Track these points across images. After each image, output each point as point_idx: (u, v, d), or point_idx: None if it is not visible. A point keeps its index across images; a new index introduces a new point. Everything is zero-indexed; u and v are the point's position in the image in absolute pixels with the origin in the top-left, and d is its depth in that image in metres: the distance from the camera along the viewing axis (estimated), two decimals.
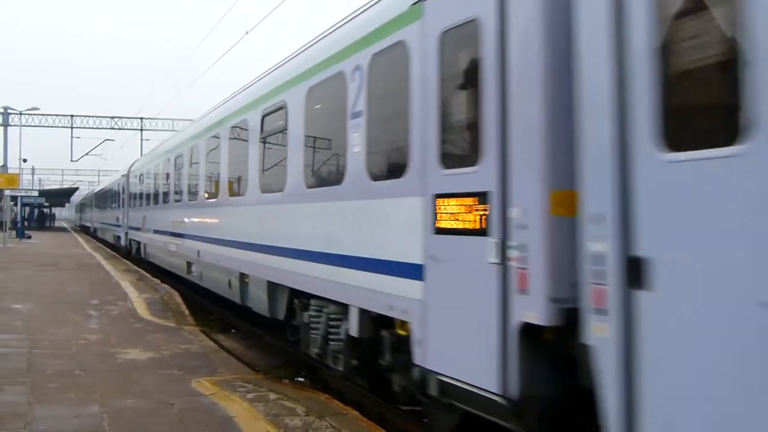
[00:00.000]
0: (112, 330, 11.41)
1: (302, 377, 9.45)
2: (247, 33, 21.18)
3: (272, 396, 7.53)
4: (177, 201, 16.58)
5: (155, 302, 15.11)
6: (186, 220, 15.31)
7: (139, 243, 24.39)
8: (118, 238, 31.76)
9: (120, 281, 19.27)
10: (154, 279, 20.20)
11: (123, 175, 29.74)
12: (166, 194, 18.35)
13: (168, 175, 18.07)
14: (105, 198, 41.82)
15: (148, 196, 22.01)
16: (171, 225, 16.94)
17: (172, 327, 12.09)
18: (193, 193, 14.87)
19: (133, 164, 28.09)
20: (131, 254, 27.31)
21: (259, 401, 7.26)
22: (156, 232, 19.77)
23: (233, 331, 13.51)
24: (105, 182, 47.99)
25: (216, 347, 10.70)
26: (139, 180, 24.28)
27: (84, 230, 71.68)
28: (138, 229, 24.06)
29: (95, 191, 56.41)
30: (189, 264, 15.21)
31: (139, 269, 23.68)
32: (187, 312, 14.15)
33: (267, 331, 12.22)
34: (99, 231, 48.14)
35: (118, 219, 31.75)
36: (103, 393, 7.39)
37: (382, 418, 7.52)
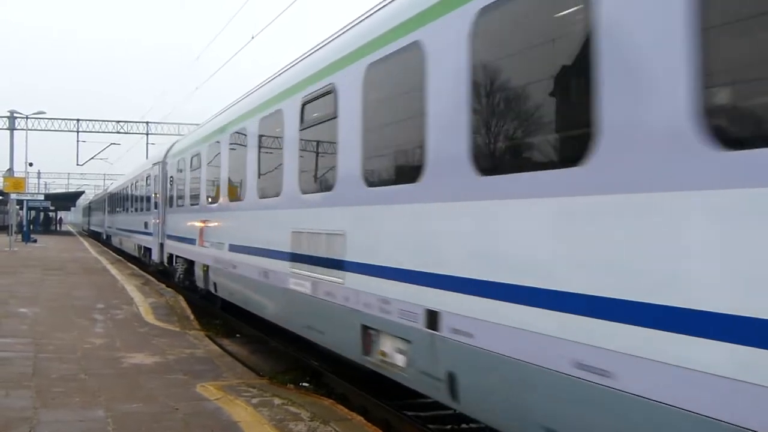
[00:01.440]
0: (117, 334, 11.43)
1: (307, 382, 9.45)
2: (252, 38, 21.20)
3: (277, 401, 7.53)
4: (322, 190, 7.87)
5: (160, 306, 15.13)
6: (371, 230, 6.76)
7: (191, 264, 15.78)
8: (147, 250, 23.31)
9: (125, 285, 19.30)
10: (159, 283, 20.22)
11: (156, 164, 21.29)
12: (271, 179, 9.69)
13: (276, 145, 9.60)
14: (124, 197, 32.31)
15: (214, 188, 13.20)
16: (292, 240, 8.67)
17: (177, 331, 12.10)
18: (415, 167, 5.92)
19: (173, 146, 19.76)
20: (177, 279, 17.59)
21: (263, 406, 7.26)
22: (239, 249, 11.27)
23: (238, 335, 13.51)
24: (124, 177, 36.06)
25: (221, 352, 10.70)
26: (191, 166, 15.61)
27: (93, 237, 64.74)
28: (188, 240, 15.57)
29: (109, 190, 46.35)
30: (368, 333, 6.81)
31: (144, 273, 23.69)
32: (192, 316, 14.15)
33: (272, 336, 12.23)
34: (114, 238, 39.18)
35: (146, 225, 23.11)
36: (109, 397, 7.39)
37: (387, 423, 7.51)
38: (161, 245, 19.89)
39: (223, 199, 12.42)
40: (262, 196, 10.03)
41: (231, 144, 12.02)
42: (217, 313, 15.22)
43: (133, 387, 7.93)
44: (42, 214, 78.68)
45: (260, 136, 10.29)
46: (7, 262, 26.80)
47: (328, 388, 9.20)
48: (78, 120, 54.25)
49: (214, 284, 13.22)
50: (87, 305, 14.82)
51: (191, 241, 15.22)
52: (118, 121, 55.34)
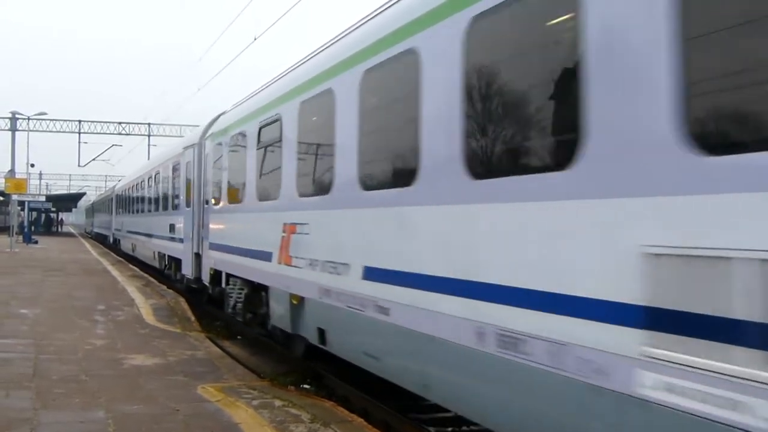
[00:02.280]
0: (118, 335, 11.42)
1: (308, 384, 9.44)
2: (255, 39, 21.22)
3: (277, 403, 7.52)
4: None
5: (161, 308, 15.12)
6: None
7: (259, 290, 10.74)
8: (174, 260, 18.36)
9: (126, 287, 19.30)
10: (161, 285, 20.22)
11: (189, 148, 16.12)
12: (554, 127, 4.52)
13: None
14: (139, 194, 26.60)
15: (315, 172, 8.36)
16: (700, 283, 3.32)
17: (177, 333, 12.10)
18: None
19: (217, 120, 14.34)
20: (231, 309, 12.23)
21: (264, 408, 7.25)
22: (399, 279, 6.12)
23: (239, 337, 13.50)
24: (138, 170, 29.72)
25: (221, 353, 10.69)
26: (259, 142, 10.37)
27: (98, 240, 58.68)
28: (254, 254, 10.42)
29: (118, 186, 39.53)
30: None
31: (145, 274, 23.66)
32: (193, 318, 14.15)
33: (272, 338, 12.22)
34: (124, 242, 33.68)
35: (172, 228, 17.92)
36: (109, 398, 7.39)
37: (387, 425, 7.50)
38: (197, 256, 14.90)
39: (342, 187, 7.26)
40: (500, 172, 4.91)
41: (366, 89, 6.97)
42: (218, 314, 15.21)
43: (133, 388, 7.93)
44: (43, 216, 78.74)
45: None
46: (8, 263, 26.83)
47: (329, 390, 9.19)
48: (80, 121, 54.39)
49: (321, 331, 8.05)
50: (88, 306, 14.81)
51: (260, 256, 10.01)
52: (120, 123, 55.50)
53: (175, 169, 18.17)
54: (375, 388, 8.29)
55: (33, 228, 55.96)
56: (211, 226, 13.64)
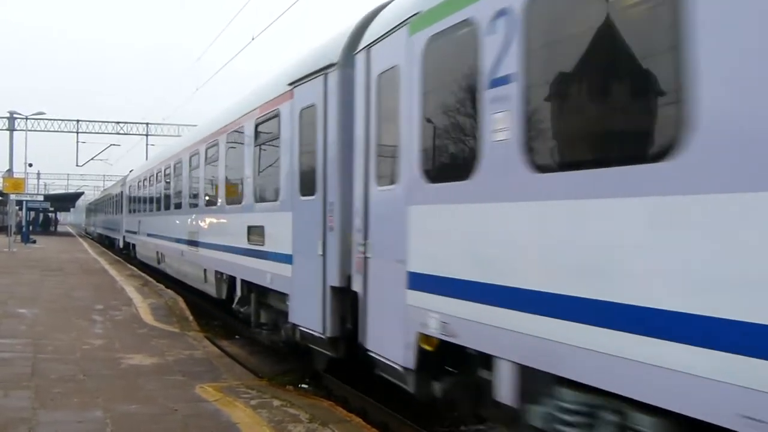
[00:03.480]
0: (116, 335, 11.42)
1: (306, 384, 9.44)
2: (253, 39, 21.18)
3: (276, 402, 7.53)
4: None
5: (159, 308, 15.12)
6: None
7: None
8: (251, 289, 10.94)
9: (124, 286, 19.30)
10: (159, 284, 20.21)
11: (310, 79, 8.38)
12: None
13: None
14: (171, 187, 18.58)
15: None
16: None
17: (176, 332, 12.10)
18: None
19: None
20: None
21: (262, 408, 7.25)
22: None
23: (237, 337, 13.51)
24: (170, 147, 21.73)
25: (220, 353, 10.70)
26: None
27: (102, 243, 49.56)
28: None
29: (131, 178, 30.19)
30: None
31: (143, 274, 23.65)
32: (191, 318, 14.15)
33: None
34: (143, 250, 24.89)
35: (261, 234, 10.22)
36: (107, 398, 7.39)
37: (385, 426, 7.51)
38: (338, 294, 7.78)
39: None
40: None
41: None
42: (216, 314, 15.20)
43: (131, 388, 7.93)
44: (41, 215, 78.64)
45: None
46: (6, 263, 26.80)
47: (327, 390, 9.20)
48: (78, 121, 54.39)
49: None
50: (86, 306, 14.81)
51: None
52: (118, 122, 55.50)
53: (260, 129, 10.69)
54: (374, 389, 8.29)
55: (31, 228, 55.87)
56: (428, 235, 5.90)
